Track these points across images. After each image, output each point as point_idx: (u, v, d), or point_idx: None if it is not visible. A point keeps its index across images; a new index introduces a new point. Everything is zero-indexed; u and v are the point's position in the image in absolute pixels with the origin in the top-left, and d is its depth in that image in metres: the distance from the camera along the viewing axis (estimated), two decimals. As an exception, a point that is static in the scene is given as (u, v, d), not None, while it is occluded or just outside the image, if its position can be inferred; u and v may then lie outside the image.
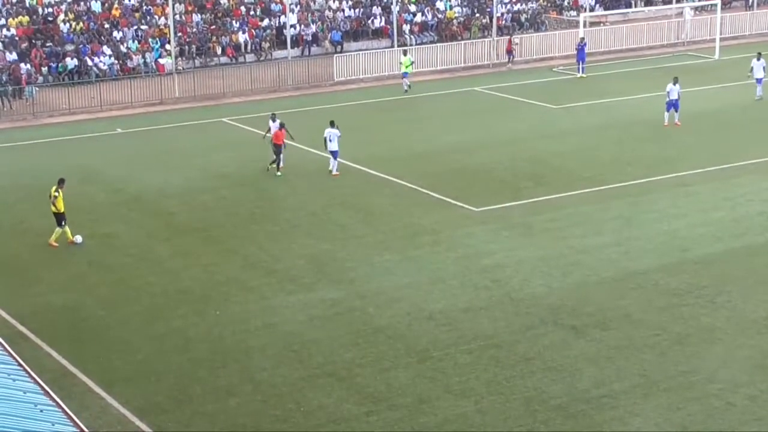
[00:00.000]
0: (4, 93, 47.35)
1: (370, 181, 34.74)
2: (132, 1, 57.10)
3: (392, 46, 55.81)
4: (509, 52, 55.59)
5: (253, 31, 57.30)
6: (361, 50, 56.00)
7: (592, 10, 64.83)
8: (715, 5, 59.08)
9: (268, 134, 36.21)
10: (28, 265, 27.89)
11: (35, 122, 45.64)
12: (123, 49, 53.26)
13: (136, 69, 52.51)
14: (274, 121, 36.43)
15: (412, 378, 20.86)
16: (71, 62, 51.09)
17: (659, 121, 41.27)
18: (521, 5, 64.44)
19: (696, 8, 63.95)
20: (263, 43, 56.93)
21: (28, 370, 14.15)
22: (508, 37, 57.02)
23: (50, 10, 55.03)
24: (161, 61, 53.05)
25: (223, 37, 56.25)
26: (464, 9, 63.13)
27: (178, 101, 48.66)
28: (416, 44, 58.21)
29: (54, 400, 13.18)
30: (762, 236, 28.76)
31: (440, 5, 62.63)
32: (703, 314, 23.67)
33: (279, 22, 58.23)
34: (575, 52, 53.63)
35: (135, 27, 55.08)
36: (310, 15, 59.29)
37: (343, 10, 60.56)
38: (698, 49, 59.03)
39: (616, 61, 56.87)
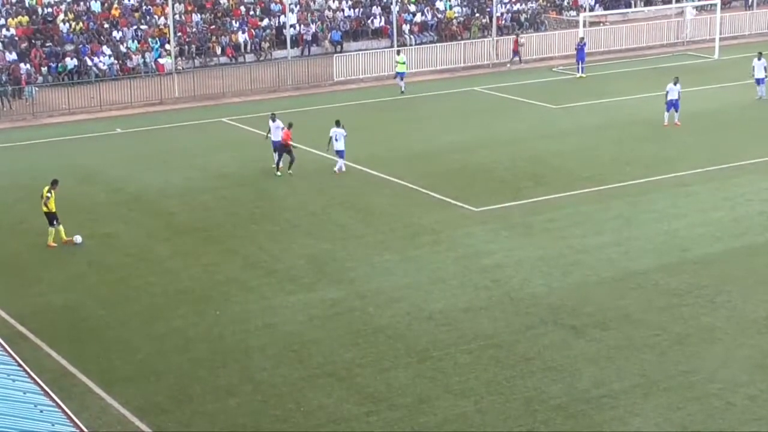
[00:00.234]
0: (3, 93, 47.35)
1: (370, 181, 34.74)
2: (132, 1, 57.09)
3: (392, 46, 55.77)
4: (515, 52, 55.73)
5: (252, 31, 57.30)
6: (360, 50, 56.00)
7: (591, 10, 64.82)
8: (715, 5, 59.10)
9: (269, 135, 36.17)
10: (28, 265, 27.89)
11: (35, 122, 45.64)
12: (123, 49, 53.26)
13: (136, 69, 52.52)
14: (273, 120, 36.43)
15: (412, 378, 20.86)
16: (71, 62, 51.10)
17: (659, 121, 41.28)
18: (521, 5, 64.44)
19: (697, 8, 63.92)
20: (263, 43, 56.93)
21: (28, 370, 14.14)
22: (515, 37, 57.13)
23: (50, 10, 55.02)
24: (161, 61, 53.05)
25: (222, 37, 56.25)
26: (464, 9, 63.14)
27: (178, 101, 48.66)
28: (416, 44, 58.23)
29: (54, 401, 13.17)
30: (762, 236, 28.76)
31: (440, 5, 62.63)
32: (703, 314, 23.67)
33: (279, 22, 58.23)
34: (575, 52, 53.64)
35: (135, 27, 55.09)
36: (309, 15, 59.29)
37: (343, 10, 60.56)
38: (698, 49, 59.03)
39: (616, 61, 56.87)
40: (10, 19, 53.33)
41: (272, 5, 59.48)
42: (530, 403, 19.75)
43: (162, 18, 55.97)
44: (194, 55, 55.01)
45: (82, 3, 56.10)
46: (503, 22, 61.48)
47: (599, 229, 29.46)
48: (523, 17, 63.51)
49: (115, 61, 52.37)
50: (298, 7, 59.40)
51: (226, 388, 20.67)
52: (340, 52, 56.28)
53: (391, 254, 27.82)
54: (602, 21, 64.05)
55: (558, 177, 34.54)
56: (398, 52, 51.04)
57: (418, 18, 60.84)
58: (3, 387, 12.91)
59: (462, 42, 57.63)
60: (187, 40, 55.05)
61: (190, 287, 26.01)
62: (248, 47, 56.55)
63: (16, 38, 52.15)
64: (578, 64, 52.82)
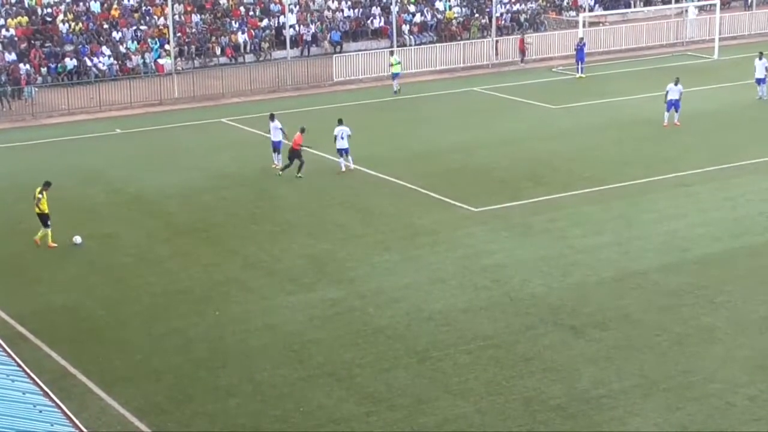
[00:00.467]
0: (3, 93, 47.35)
1: (370, 181, 34.73)
2: (131, 2, 57.07)
3: (391, 47, 55.77)
4: (522, 51, 55.81)
5: (252, 31, 57.29)
6: (360, 50, 55.99)
7: (591, 10, 64.80)
8: (714, 5, 59.09)
9: (277, 137, 36.16)
10: (28, 265, 27.89)
11: (34, 123, 45.63)
12: (122, 49, 53.24)
13: (136, 69, 52.51)
14: (272, 120, 36.46)
15: (412, 378, 20.86)
16: (70, 63, 51.09)
17: (659, 121, 41.27)
18: (520, 5, 64.43)
19: (699, 7, 63.89)
20: (262, 43, 56.92)
21: (27, 370, 14.13)
22: (521, 36, 57.27)
23: (49, 10, 55.00)
24: (160, 61, 53.04)
25: (222, 38, 56.24)
26: (463, 9, 63.11)
27: (178, 101, 48.65)
28: (415, 44, 58.21)
29: (53, 401, 13.16)
30: (762, 236, 28.75)
31: (439, 5, 62.62)
32: (703, 314, 23.66)
33: (278, 23, 58.21)
34: (574, 52, 53.65)
35: (134, 27, 55.07)
36: (309, 15, 59.28)
37: (342, 11, 60.55)
38: (697, 49, 59.03)
39: (616, 61, 56.86)
40: (9, 20, 53.30)
41: (272, 5, 59.47)
42: (530, 404, 19.75)
43: (161, 18, 55.95)
44: (194, 55, 54.99)
45: (81, 3, 56.08)
46: (503, 22, 61.47)
47: (599, 229, 29.45)
48: (522, 17, 63.49)
49: (115, 62, 52.36)
50: (297, 7, 59.38)
51: (226, 388, 20.66)
52: (340, 52, 56.28)
53: (391, 254, 27.82)
54: (602, 21, 64.05)
55: (558, 177, 34.54)
56: (392, 53, 51.02)
57: (418, 18, 60.81)
58: (2, 387, 12.90)
59: (461, 42, 57.63)
60: (186, 40, 55.04)
61: (190, 287, 26.01)
62: (248, 47, 56.54)
63: (16, 38, 52.13)
64: (578, 64, 52.83)
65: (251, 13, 58.89)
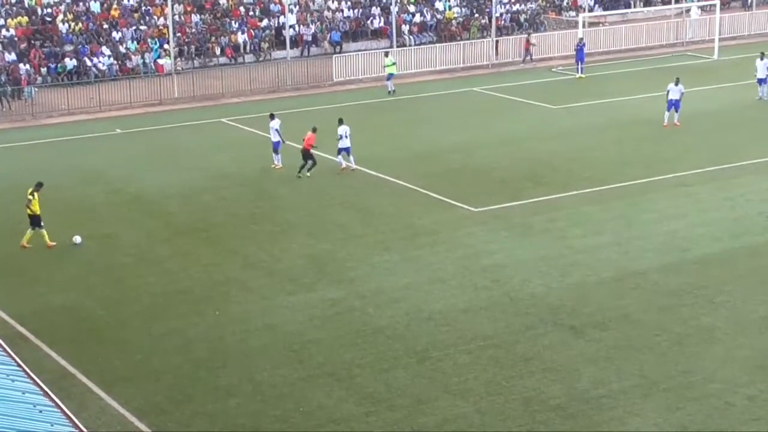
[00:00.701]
0: (3, 93, 47.35)
1: (370, 181, 34.73)
2: (131, 2, 57.07)
3: (391, 47, 55.78)
4: (527, 50, 55.91)
5: (252, 31, 57.29)
6: (360, 51, 56.00)
7: (591, 10, 64.81)
8: (714, 5, 59.10)
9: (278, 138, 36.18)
10: (28, 266, 27.89)
11: (34, 123, 45.63)
12: (122, 49, 53.24)
13: (135, 69, 52.51)
14: (273, 119, 36.47)
15: (412, 378, 20.86)
16: (70, 63, 51.09)
17: (659, 121, 41.28)
18: (520, 5, 64.43)
19: (702, 7, 63.89)
20: (262, 43, 56.92)
21: (27, 370, 14.14)
22: (526, 36, 57.41)
23: (49, 10, 55.00)
24: (160, 61, 53.03)
25: (222, 38, 56.23)
26: (463, 9, 63.11)
27: (177, 101, 48.66)
28: (415, 45, 58.22)
29: (53, 401, 13.17)
30: (762, 236, 28.76)
31: (439, 5, 62.62)
32: (703, 314, 23.67)
33: (278, 23, 58.21)
34: (574, 52, 53.67)
35: (134, 27, 55.07)
36: (309, 15, 59.28)
37: (342, 11, 60.55)
38: (697, 49, 59.03)
39: (616, 61, 56.86)
40: (9, 20, 53.30)
41: (271, 6, 59.46)
42: (529, 404, 19.75)
43: (161, 18, 55.95)
44: (194, 55, 54.99)
45: (81, 3, 56.07)
46: (502, 22, 61.47)
47: (599, 229, 29.46)
48: (522, 18, 63.50)
49: (115, 62, 52.36)
50: (297, 7, 59.37)
51: (226, 388, 20.67)
52: (340, 52, 56.28)
53: (391, 254, 27.83)
54: (602, 21, 64.05)
55: (558, 177, 34.54)
56: (386, 54, 50.99)
57: (418, 18, 60.81)
58: (2, 387, 12.91)
59: (461, 42, 57.63)
60: (186, 40, 55.03)
61: (190, 287, 26.02)
62: (248, 48, 56.54)
63: (16, 39, 52.13)
64: (578, 64, 52.84)
65: (251, 13, 58.89)
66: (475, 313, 23.94)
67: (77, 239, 29.12)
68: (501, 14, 61.66)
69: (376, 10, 60.81)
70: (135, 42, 54.11)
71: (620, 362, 21.34)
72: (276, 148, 36.34)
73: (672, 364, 21.26)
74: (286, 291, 25.53)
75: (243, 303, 24.89)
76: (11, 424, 11.73)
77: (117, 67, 52.23)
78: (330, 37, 58.33)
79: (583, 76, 52.35)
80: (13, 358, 14.50)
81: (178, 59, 53.29)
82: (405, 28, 59.59)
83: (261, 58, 56.06)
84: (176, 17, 55.03)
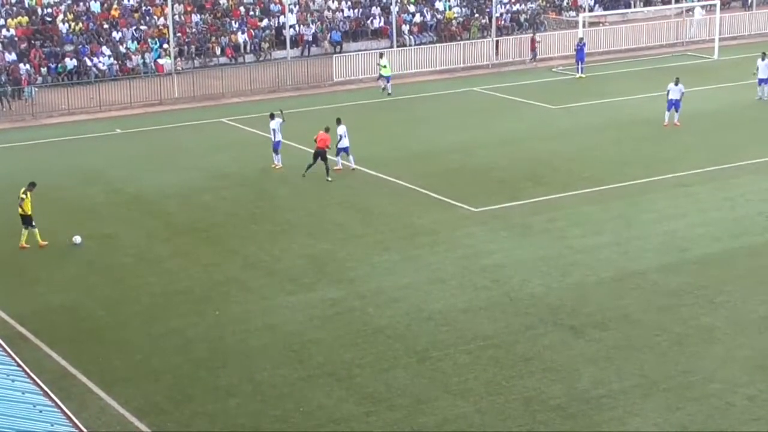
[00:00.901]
0: (3, 93, 47.35)
1: (370, 181, 34.74)
2: (131, 2, 57.07)
3: (391, 47, 55.80)
4: (533, 50, 56.02)
5: (252, 31, 57.29)
6: (360, 50, 56.00)
7: (591, 10, 64.80)
8: (714, 5, 59.10)
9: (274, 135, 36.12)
10: (28, 266, 27.89)
11: (34, 123, 45.63)
12: (122, 49, 53.24)
13: (136, 69, 52.51)
14: (273, 119, 36.47)
15: (412, 378, 20.86)
16: (70, 63, 51.09)
17: (659, 121, 41.29)
18: (520, 5, 64.43)
19: (705, 7, 63.89)
20: (262, 43, 56.93)
21: (27, 370, 14.15)
22: (532, 35, 57.40)
23: (49, 10, 54.99)
24: (160, 61, 53.04)
25: (222, 38, 56.24)
26: (463, 9, 63.12)
27: (178, 101, 48.66)
28: (415, 45, 58.22)
29: (53, 401, 13.17)
30: (761, 236, 28.76)
31: (439, 5, 62.62)
32: (703, 314, 23.67)
33: (278, 23, 58.22)
34: (574, 52, 53.67)
35: (134, 27, 55.07)
36: (309, 15, 59.29)
37: (342, 11, 60.56)
38: (697, 49, 59.04)
39: (616, 61, 56.87)
40: (9, 20, 53.29)
41: (272, 6, 59.47)
42: (529, 404, 19.75)
43: (161, 18, 55.95)
44: (194, 55, 55.00)
45: (81, 3, 56.07)
46: (503, 22, 61.48)
47: (599, 229, 29.46)
48: (522, 18, 63.51)
49: (115, 62, 52.36)
50: (297, 7, 59.38)
51: (226, 388, 20.67)
52: (340, 52, 56.28)
53: (391, 254, 27.83)
54: (602, 21, 64.05)
55: (557, 177, 34.55)
56: (381, 55, 50.93)
57: (418, 18, 60.81)
58: (2, 387, 12.92)
59: (461, 42, 57.63)
60: (186, 40, 55.04)
61: (190, 287, 26.02)
62: (248, 47, 56.54)
63: (16, 39, 52.13)
64: (578, 64, 52.86)
65: (251, 13, 58.89)
66: (475, 313, 23.95)
67: (77, 239, 29.11)
68: (501, 14, 61.66)
69: (376, 10, 60.81)
70: (135, 42, 54.11)
71: (620, 362, 21.35)
72: (276, 148, 36.34)
73: (672, 364, 21.27)
74: (286, 291, 25.54)
75: (243, 303, 24.89)
76: (11, 424, 11.74)
77: (117, 67, 52.24)
78: (330, 37, 58.34)
79: (583, 76, 52.36)
80: (13, 358, 14.51)
81: (179, 59, 53.28)
82: (405, 28, 59.59)
83: (261, 58, 56.06)
84: (176, 17, 55.03)
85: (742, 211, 30.76)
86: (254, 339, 22.88)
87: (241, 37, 56.44)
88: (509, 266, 26.74)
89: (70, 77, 50.62)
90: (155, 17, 56.48)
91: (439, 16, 61.61)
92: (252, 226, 30.58)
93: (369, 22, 60.21)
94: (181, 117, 45.87)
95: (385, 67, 49.55)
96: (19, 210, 28.86)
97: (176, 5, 55.70)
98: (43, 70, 50.79)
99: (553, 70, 54.57)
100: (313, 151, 34.69)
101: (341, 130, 35.36)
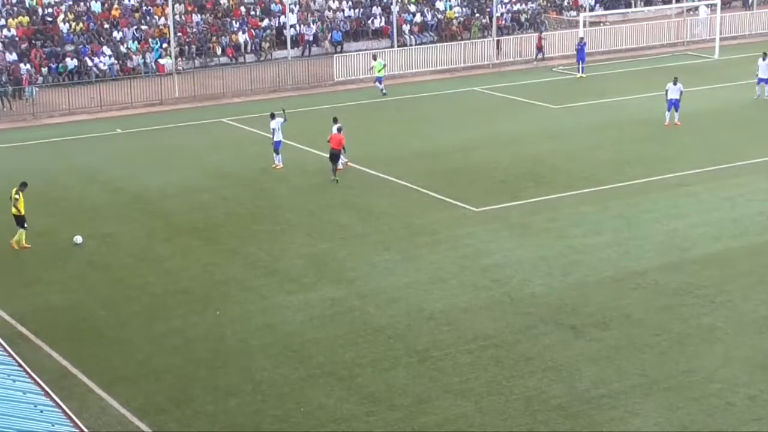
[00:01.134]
0: (4, 93, 47.35)
1: (370, 181, 34.73)
2: (132, 2, 57.09)
3: (392, 47, 55.81)
4: (539, 48, 56.05)
5: (252, 31, 57.30)
6: (361, 50, 56.00)
7: (591, 10, 64.81)
8: (715, 5, 59.10)
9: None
10: (28, 265, 27.89)
11: (35, 123, 45.64)
12: (123, 49, 53.25)
13: (136, 69, 52.51)
14: (273, 118, 36.47)
15: (412, 378, 20.86)
16: (71, 62, 51.09)
17: (659, 121, 41.29)
18: (521, 5, 64.44)
19: (697, 8, 63.91)
20: (263, 43, 56.94)
21: (28, 370, 14.15)
22: (538, 34, 57.49)
23: (50, 10, 55.01)
24: (161, 61, 53.05)
25: (223, 38, 56.24)
26: (464, 9, 63.12)
27: (178, 101, 48.67)
28: (416, 44, 58.23)
29: (54, 401, 13.18)
30: (761, 236, 28.76)
31: (440, 5, 62.63)
32: (703, 314, 23.68)
33: (279, 23, 58.23)
34: (575, 52, 53.68)
35: (135, 27, 55.08)
36: (310, 15, 59.29)
37: (343, 10, 60.56)
38: (698, 49, 59.05)
39: (616, 61, 56.87)
40: (10, 20, 53.31)
41: (272, 5, 59.47)
42: (530, 403, 19.76)
43: (162, 18, 55.96)
44: (194, 55, 55.01)
45: (82, 3, 56.08)
46: (503, 22, 61.48)
47: (599, 229, 29.46)
48: (523, 17, 63.51)
49: (116, 62, 52.37)
50: (298, 7, 59.39)
51: (226, 388, 20.67)
52: (341, 52, 56.28)
53: (391, 254, 27.83)
54: (602, 21, 64.06)
55: (558, 177, 34.55)
56: (374, 57, 50.88)
57: (418, 18, 60.83)
58: (3, 387, 12.92)
59: (462, 42, 57.64)
60: (187, 40, 55.05)
61: (190, 287, 26.02)
62: (248, 47, 56.54)
63: (17, 38, 52.14)
64: (578, 64, 52.86)
65: (252, 12, 58.90)
66: (476, 312, 23.95)
67: (78, 239, 29.11)
68: (502, 14, 61.68)
69: (376, 10, 60.82)
70: (136, 42, 54.12)
71: (621, 362, 21.35)
72: (277, 148, 36.33)
73: (672, 363, 21.27)
74: (286, 291, 25.54)
75: (243, 303, 24.90)
76: (12, 424, 11.75)
77: (118, 66, 52.24)
78: (331, 36, 58.34)
79: (583, 75, 52.36)
80: (14, 358, 14.51)
81: (179, 59, 53.28)
82: (406, 27, 59.60)
83: (262, 58, 56.07)
84: (177, 17, 55.03)
85: (742, 211, 30.76)
86: (254, 339, 22.88)
87: (242, 37, 56.45)
88: (510, 266, 26.74)
89: (70, 77, 50.63)
90: (156, 17, 56.50)
91: (439, 16, 61.62)
92: (252, 226, 30.59)
93: (370, 22, 60.23)
94: (182, 117, 45.87)
95: (383, 68, 49.43)
96: (14, 210, 28.74)
97: (177, 5, 55.71)
98: (44, 70, 50.80)
99: (554, 69, 54.56)
100: (327, 154, 34.70)
101: (335, 129, 35.38)
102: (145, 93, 48.65)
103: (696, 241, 28.39)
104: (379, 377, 20.93)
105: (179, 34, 54.48)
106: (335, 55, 54.48)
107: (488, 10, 61.68)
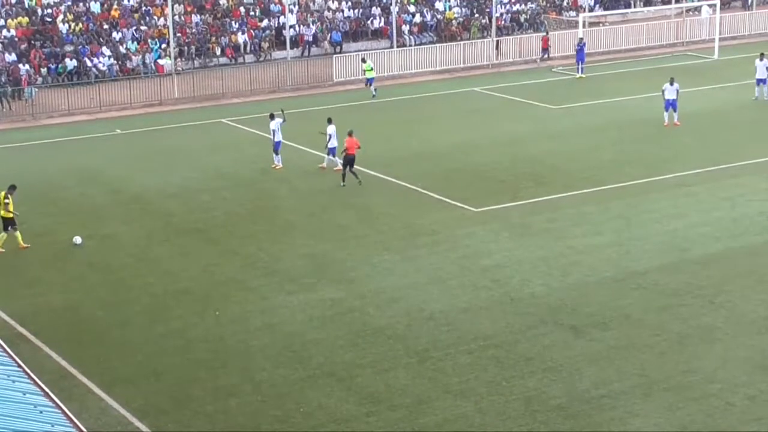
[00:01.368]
0: (3, 94, 47.36)
1: (370, 181, 34.71)
2: (131, 2, 57.09)
3: (392, 47, 55.82)
4: (545, 49, 56.20)
5: (252, 31, 57.31)
6: (360, 51, 55.98)
7: (591, 10, 64.84)
8: (714, 5, 59.11)
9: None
10: (28, 266, 27.89)
11: (34, 123, 45.64)
12: (122, 49, 53.25)
13: (136, 70, 52.52)
14: (273, 119, 36.47)
15: (412, 378, 20.86)
16: (70, 63, 51.09)
17: (659, 121, 41.30)
18: (520, 6, 64.45)
19: (698, 8, 63.88)
20: (262, 43, 56.94)
21: (28, 371, 14.14)
22: (544, 35, 57.54)
23: (49, 11, 55.01)
24: (160, 61, 53.04)
25: (222, 38, 56.25)
26: (463, 9, 63.13)
27: (178, 102, 48.67)
28: (415, 45, 58.24)
29: (53, 401, 13.17)
30: (761, 236, 28.76)
31: (439, 6, 62.64)
32: (703, 314, 23.67)
33: (278, 23, 58.23)
34: (574, 52, 53.68)
35: (134, 28, 55.09)
36: (309, 15, 59.30)
37: (343, 11, 60.57)
38: (697, 49, 59.06)
39: (616, 61, 56.87)
40: (9, 20, 53.31)
41: (272, 6, 59.48)
42: (530, 404, 19.75)
43: (161, 19, 55.97)
44: (194, 55, 55.01)
45: (81, 4, 56.09)
46: (503, 22, 61.49)
47: (599, 229, 29.46)
48: (522, 18, 63.51)
49: (115, 62, 52.37)
50: (297, 7, 59.39)
51: (226, 388, 20.67)
52: (340, 52, 56.27)
53: (391, 254, 27.82)
54: (602, 21, 64.07)
55: (558, 177, 34.55)
56: (363, 60, 50.79)
57: (418, 19, 60.84)
58: (3, 388, 12.91)
59: (461, 42, 57.65)
60: (186, 40, 55.05)
61: (190, 287, 26.02)
62: (248, 48, 56.56)
63: (16, 39, 52.14)
64: (578, 64, 52.86)
65: (251, 13, 58.91)
66: (476, 313, 23.95)
67: (77, 240, 29.11)
68: (501, 14, 61.69)
69: (376, 11, 60.83)
70: (135, 42, 54.12)
71: (621, 362, 21.34)
72: (276, 148, 36.33)
73: (672, 363, 21.27)
74: (286, 291, 25.54)
75: (243, 303, 24.89)
76: (12, 425, 11.74)
77: (117, 67, 52.24)
78: (330, 37, 58.35)
79: (583, 76, 52.36)
80: (14, 359, 14.51)
81: (179, 59, 53.29)
82: (405, 28, 59.62)
83: (261, 59, 56.08)
84: (176, 17, 55.04)
85: (742, 211, 30.75)
86: (254, 339, 22.87)
87: (241, 38, 56.45)
88: (510, 266, 26.74)
89: (70, 78, 50.63)
90: (155, 18, 56.50)
91: (439, 17, 61.64)
92: (252, 226, 30.58)
93: (369, 22, 60.23)
94: (182, 117, 45.87)
95: (371, 69, 49.38)
96: (3, 212, 28.67)
97: (176, 5, 55.73)
98: (43, 70, 50.80)
99: (554, 70, 54.56)
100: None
101: (331, 130, 35.34)
102: (145, 93, 48.65)
103: (696, 241, 28.39)
104: (379, 378, 20.92)
105: (179, 34, 54.50)
106: (335, 56, 54.49)
107: (488, 10, 61.69)
